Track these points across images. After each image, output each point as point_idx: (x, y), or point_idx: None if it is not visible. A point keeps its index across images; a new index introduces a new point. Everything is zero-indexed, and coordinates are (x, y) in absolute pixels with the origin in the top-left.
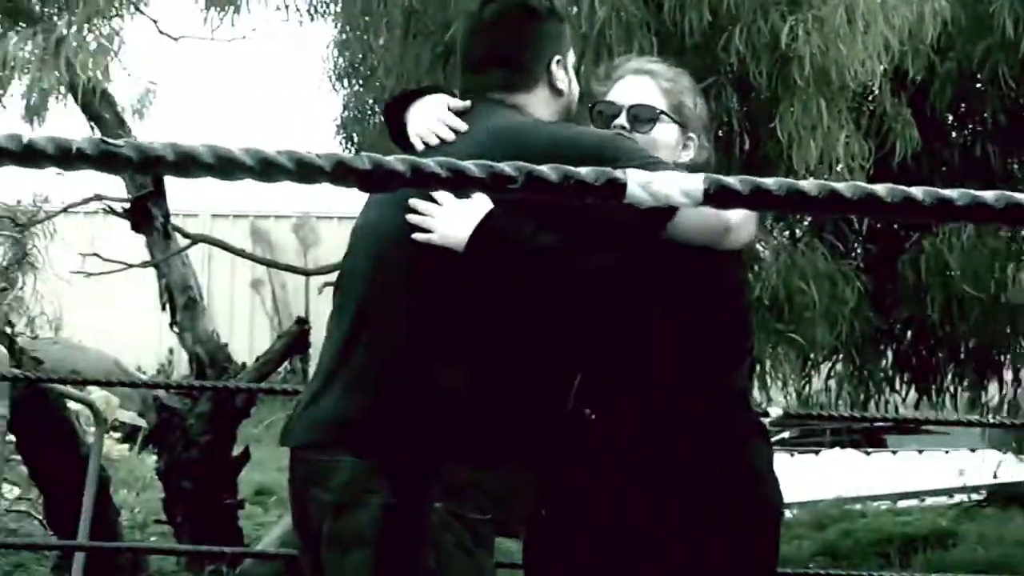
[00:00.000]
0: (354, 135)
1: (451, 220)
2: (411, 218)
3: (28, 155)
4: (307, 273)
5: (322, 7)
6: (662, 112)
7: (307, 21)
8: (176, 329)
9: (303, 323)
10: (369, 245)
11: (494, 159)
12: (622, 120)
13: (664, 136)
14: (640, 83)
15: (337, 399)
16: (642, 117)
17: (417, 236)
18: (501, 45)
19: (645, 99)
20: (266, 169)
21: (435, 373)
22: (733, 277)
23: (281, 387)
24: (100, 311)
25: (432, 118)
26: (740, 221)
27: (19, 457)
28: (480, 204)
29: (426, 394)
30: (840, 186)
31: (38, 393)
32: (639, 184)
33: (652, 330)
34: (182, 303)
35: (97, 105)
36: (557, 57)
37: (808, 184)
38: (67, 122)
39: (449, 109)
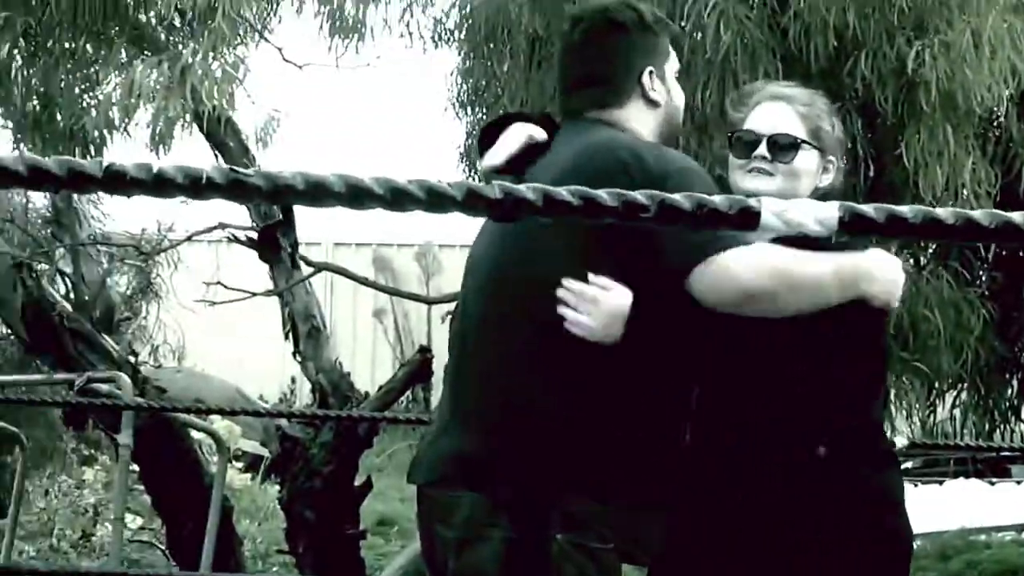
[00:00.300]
0: (477, 163)
1: (601, 317)
2: (562, 311)
3: (158, 184)
4: (429, 302)
5: (446, 34)
6: (803, 141)
7: (431, 48)
8: (299, 358)
9: (425, 352)
10: (481, 276)
11: (580, 177)
12: (762, 150)
13: (805, 164)
14: (778, 110)
15: (456, 435)
16: (782, 145)
17: (569, 327)
18: (590, 63)
19: (784, 127)
20: (397, 198)
21: (550, 406)
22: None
23: (404, 416)
24: (223, 340)
25: (508, 148)
26: (780, 285)
27: (142, 486)
28: (622, 296)
29: (542, 427)
30: (976, 214)
31: (161, 422)
32: (773, 213)
33: (779, 364)
34: (305, 332)
35: (222, 133)
36: (649, 68)
37: (944, 212)
38: (192, 150)
39: (532, 137)
